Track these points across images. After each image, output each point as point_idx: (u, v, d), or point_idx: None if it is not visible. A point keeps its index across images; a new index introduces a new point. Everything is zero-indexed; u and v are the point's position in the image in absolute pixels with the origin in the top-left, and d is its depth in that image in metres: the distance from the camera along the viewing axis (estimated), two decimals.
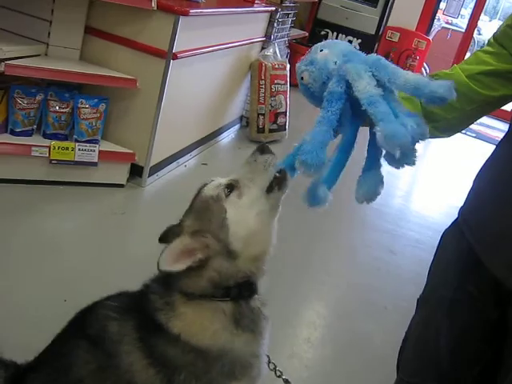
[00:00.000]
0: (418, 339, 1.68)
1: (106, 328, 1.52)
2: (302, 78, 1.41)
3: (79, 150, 3.67)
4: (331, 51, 1.41)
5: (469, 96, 1.44)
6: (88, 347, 1.51)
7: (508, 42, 1.42)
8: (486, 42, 1.52)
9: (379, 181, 1.35)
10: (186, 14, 3.70)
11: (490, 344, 1.50)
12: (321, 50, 1.44)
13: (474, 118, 1.53)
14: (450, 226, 1.66)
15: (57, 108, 3.65)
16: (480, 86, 1.44)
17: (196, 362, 1.44)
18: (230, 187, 1.50)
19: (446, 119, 1.46)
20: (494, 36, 1.48)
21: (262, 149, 1.55)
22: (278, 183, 1.50)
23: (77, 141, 3.69)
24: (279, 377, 1.75)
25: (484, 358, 1.51)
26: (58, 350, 1.60)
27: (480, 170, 1.58)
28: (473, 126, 9.00)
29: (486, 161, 1.57)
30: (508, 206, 1.39)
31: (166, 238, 1.64)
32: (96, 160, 3.73)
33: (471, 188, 1.59)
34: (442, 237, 1.69)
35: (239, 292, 1.49)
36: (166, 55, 3.74)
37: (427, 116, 1.38)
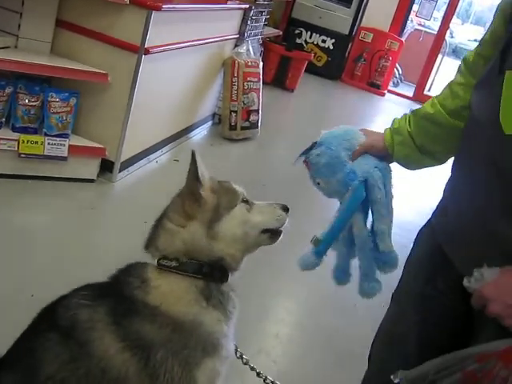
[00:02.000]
0: (389, 335, 1.71)
1: (77, 316, 1.51)
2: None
3: (48, 144, 3.64)
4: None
5: (455, 132, 1.55)
6: (59, 339, 1.49)
7: (477, 72, 1.47)
8: (458, 66, 1.62)
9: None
10: (158, 8, 3.69)
11: (459, 339, 1.52)
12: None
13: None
14: (424, 226, 1.71)
15: (26, 101, 3.61)
16: (463, 121, 1.53)
17: (172, 337, 1.47)
18: (246, 201, 1.66)
19: (440, 151, 1.66)
20: (465, 61, 1.57)
21: (286, 208, 1.72)
22: (272, 234, 1.68)
23: (46, 135, 3.66)
24: (245, 364, 1.79)
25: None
26: (28, 346, 1.56)
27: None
28: None
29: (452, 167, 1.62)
30: (465, 209, 1.44)
31: None
32: (66, 154, 3.70)
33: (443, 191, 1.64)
34: (417, 234, 1.73)
35: (211, 272, 1.56)
36: (138, 50, 3.72)
37: (424, 152, 1.66)
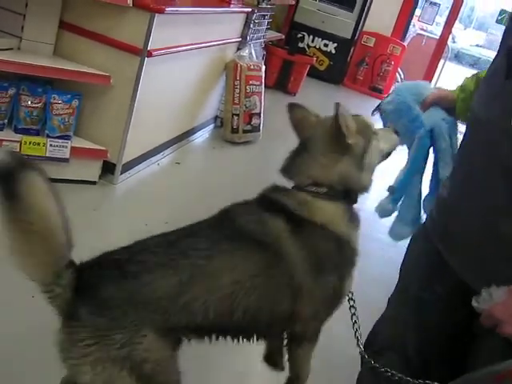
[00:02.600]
0: (386, 337, 1.71)
1: (264, 226, 1.69)
2: None
3: (51, 145, 3.64)
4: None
5: None
6: (255, 247, 1.66)
7: None
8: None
9: None
10: (161, 11, 3.70)
11: (459, 342, 1.52)
12: None
13: None
14: (419, 229, 1.70)
15: (29, 103, 3.61)
16: None
17: (336, 250, 1.73)
18: (375, 132, 1.85)
19: None
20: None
21: (397, 132, 1.93)
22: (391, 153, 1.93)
23: (48, 136, 3.66)
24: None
25: (453, 357, 1.54)
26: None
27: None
28: None
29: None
30: (466, 209, 1.43)
31: None
32: (68, 156, 3.70)
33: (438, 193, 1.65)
34: (411, 239, 1.73)
35: (354, 197, 1.81)
36: (141, 52, 3.73)
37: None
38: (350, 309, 1.95)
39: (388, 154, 1.92)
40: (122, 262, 1.65)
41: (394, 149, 1.92)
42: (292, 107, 2.02)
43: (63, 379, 1.81)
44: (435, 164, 1.82)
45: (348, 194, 1.79)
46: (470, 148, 1.50)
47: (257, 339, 1.82)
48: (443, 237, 1.53)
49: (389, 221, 4.92)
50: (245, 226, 1.70)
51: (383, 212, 1.78)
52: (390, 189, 1.79)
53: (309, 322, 1.82)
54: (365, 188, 1.82)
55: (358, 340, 1.84)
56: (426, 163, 1.85)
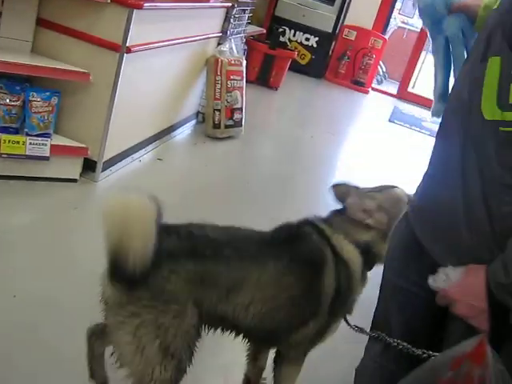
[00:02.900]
0: (376, 323, 1.75)
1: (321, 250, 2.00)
2: None
3: (30, 143, 3.61)
4: None
5: None
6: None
7: None
8: None
9: None
10: (139, 7, 3.67)
11: (439, 327, 1.54)
12: None
13: None
14: (401, 218, 1.72)
15: (7, 101, 3.57)
16: None
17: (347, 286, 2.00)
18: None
19: None
20: None
21: None
22: None
23: (28, 134, 3.63)
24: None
25: (435, 341, 1.56)
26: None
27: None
28: (427, 124, 9.20)
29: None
30: (443, 195, 1.46)
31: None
32: (48, 154, 3.67)
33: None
34: (394, 228, 1.75)
35: (371, 257, 2.04)
36: (120, 49, 3.70)
37: None
38: None
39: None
40: (200, 242, 1.83)
41: None
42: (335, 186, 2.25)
43: (89, 330, 2.03)
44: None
45: (368, 252, 2.03)
46: (446, 134, 1.51)
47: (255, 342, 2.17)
48: (421, 224, 1.54)
49: None
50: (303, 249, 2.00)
51: (438, 113, 1.77)
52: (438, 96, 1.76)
53: (300, 344, 2.06)
54: (377, 254, 2.03)
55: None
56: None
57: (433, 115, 1.74)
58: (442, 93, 1.71)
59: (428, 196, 1.55)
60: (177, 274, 1.73)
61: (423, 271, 1.47)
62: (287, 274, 1.91)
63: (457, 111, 1.44)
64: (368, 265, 2.05)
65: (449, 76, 1.72)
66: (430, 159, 1.58)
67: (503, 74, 1.28)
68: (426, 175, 1.59)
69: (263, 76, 8.26)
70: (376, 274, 1.96)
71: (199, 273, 1.75)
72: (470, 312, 1.33)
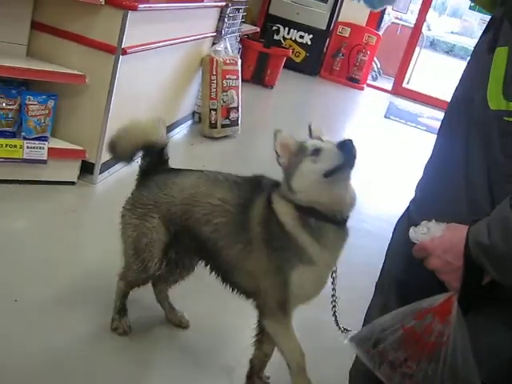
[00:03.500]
0: (368, 319, 1.73)
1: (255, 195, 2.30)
2: None
3: (27, 147, 3.61)
4: None
5: None
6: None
7: None
8: None
9: None
10: (134, 8, 3.67)
11: None
12: None
13: None
14: (402, 215, 1.72)
15: (3, 105, 3.57)
16: None
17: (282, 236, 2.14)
18: (316, 151, 2.03)
19: None
20: None
21: (340, 146, 2.03)
22: (335, 171, 1.99)
23: (25, 138, 3.63)
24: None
25: None
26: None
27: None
28: (423, 120, 9.21)
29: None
30: (446, 185, 1.46)
31: None
32: (45, 158, 3.67)
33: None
34: (395, 225, 1.75)
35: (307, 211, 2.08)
36: (115, 50, 3.70)
37: None
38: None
39: (332, 172, 2.01)
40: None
41: (337, 167, 2.00)
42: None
43: None
44: None
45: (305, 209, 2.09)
46: (451, 123, 1.51)
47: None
48: (422, 216, 1.55)
49: (371, 213, 4.95)
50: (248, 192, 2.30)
51: None
52: None
53: (266, 297, 2.24)
54: (313, 207, 2.06)
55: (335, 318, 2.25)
56: None
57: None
58: None
59: (430, 188, 1.55)
60: (152, 193, 2.43)
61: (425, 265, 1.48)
62: (232, 199, 2.29)
63: (461, 102, 1.45)
64: (313, 216, 2.09)
65: None
66: (433, 151, 1.59)
67: (510, 63, 1.28)
68: (428, 167, 1.60)
69: (258, 75, 8.26)
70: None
71: (168, 195, 2.40)
72: (443, 267, 1.34)
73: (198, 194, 2.35)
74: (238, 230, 2.24)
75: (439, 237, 1.35)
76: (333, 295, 2.28)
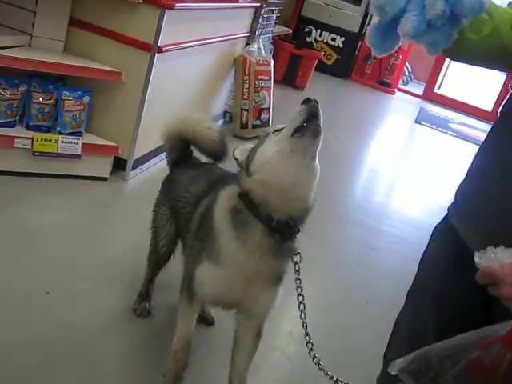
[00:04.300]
0: (406, 330, 1.71)
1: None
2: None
3: (62, 142, 3.65)
4: None
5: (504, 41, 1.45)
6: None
7: None
8: None
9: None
10: (171, 7, 3.70)
11: None
12: None
13: (494, 60, 1.54)
14: (440, 222, 1.70)
15: (40, 99, 3.63)
16: None
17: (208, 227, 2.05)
18: (280, 129, 1.87)
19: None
20: None
21: (305, 100, 1.86)
22: (301, 130, 1.79)
23: (60, 133, 3.68)
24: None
25: None
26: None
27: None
28: (454, 126, 9.12)
29: (476, 153, 1.61)
30: (488, 188, 1.44)
31: None
32: (79, 152, 3.72)
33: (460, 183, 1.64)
34: (433, 231, 1.72)
35: (247, 203, 1.88)
36: (151, 48, 3.73)
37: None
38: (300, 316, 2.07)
39: (301, 129, 1.80)
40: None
41: (303, 120, 1.81)
42: None
43: None
44: None
45: (243, 197, 1.91)
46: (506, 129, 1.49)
47: None
48: (465, 222, 1.51)
49: (400, 217, 4.93)
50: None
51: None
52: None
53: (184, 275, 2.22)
54: (250, 192, 1.88)
55: (310, 350, 2.04)
56: None
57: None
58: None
59: (475, 195, 1.52)
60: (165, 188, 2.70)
61: (469, 275, 1.46)
62: (196, 192, 2.36)
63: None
64: (249, 210, 1.88)
65: None
66: (480, 157, 1.56)
67: None
68: (474, 173, 1.57)
69: (290, 76, 8.26)
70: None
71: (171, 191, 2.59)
72: None
73: (183, 189, 2.47)
74: (188, 221, 2.27)
75: (510, 263, 1.29)
76: (301, 313, 2.07)
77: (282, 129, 1.86)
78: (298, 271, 1.99)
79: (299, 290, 2.01)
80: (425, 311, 1.63)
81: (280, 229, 1.87)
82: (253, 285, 1.98)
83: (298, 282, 2.00)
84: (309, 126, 1.79)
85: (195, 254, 2.08)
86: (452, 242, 1.55)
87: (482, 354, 1.20)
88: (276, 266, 1.97)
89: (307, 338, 2.02)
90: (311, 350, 2.01)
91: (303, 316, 2.04)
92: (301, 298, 2.02)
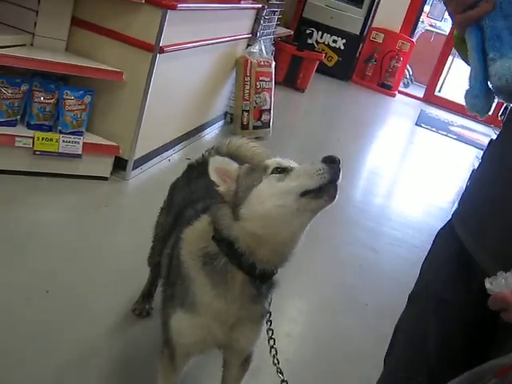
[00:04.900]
0: (408, 335, 1.69)
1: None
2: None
3: (63, 141, 3.66)
4: None
5: None
6: None
7: None
8: None
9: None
10: (173, 8, 3.70)
11: (479, 344, 1.51)
12: None
13: None
14: (443, 226, 1.68)
15: (41, 99, 3.63)
16: None
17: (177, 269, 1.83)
18: (281, 170, 1.62)
19: None
20: None
21: (327, 159, 1.59)
22: (316, 192, 1.56)
23: (61, 132, 3.68)
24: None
25: (472, 358, 1.53)
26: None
27: (473, 171, 1.62)
28: (454, 128, 9.13)
29: (479, 162, 1.60)
30: (494, 200, 1.43)
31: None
32: (80, 152, 3.72)
33: (465, 187, 1.62)
34: (436, 236, 1.71)
35: (227, 249, 1.66)
36: (153, 49, 3.74)
37: None
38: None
39: (315, 191, 1.56)
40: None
41: (320, 183, 1.55)
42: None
43: None
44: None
45: (223, 242, 1.67)
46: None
47: None
48: (469, 229, 1.51)
49: (401, 220, 4.93)
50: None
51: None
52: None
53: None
54: (236, 242, 1.64)
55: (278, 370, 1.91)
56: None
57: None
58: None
59: (480, 207, 1.51)
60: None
61: (471, 282, 1.45)
62: (179, 200, 2.27)
63: None
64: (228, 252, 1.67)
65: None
66: (483, 168, 1.55)
67: None
68: (477, 184, 1.56)
69: (290, 77, 8.26)
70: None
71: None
72: None
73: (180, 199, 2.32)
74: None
75: None
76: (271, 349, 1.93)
77: (284, 170, 1.61)
78: (271, 329, 1.89)
79: (271, 341, 1.91)
80: (427, 317, 1.61)
81: (262, 276, 1.69)
82: (234, 329, 1.80)
83: (271, 334, 1.90)
84: (327, 188, 1.55)
85: (168, 301, 1.89)
86: (455, 248, 1.54)
87: (498, 382, 1.17)
88: (258, 310, 1.80)
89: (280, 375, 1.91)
90: None
91: (276, 362, 1.92)
92: (273, 351, 1.91)
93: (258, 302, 1.76)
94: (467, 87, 1.49)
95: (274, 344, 1.91)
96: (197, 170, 2.37)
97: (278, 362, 1.91)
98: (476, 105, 1.46)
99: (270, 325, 1.88)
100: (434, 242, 1.69)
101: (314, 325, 3.30)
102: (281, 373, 1.90)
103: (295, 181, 1.58)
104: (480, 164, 1.59)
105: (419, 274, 1.72)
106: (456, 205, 1.65)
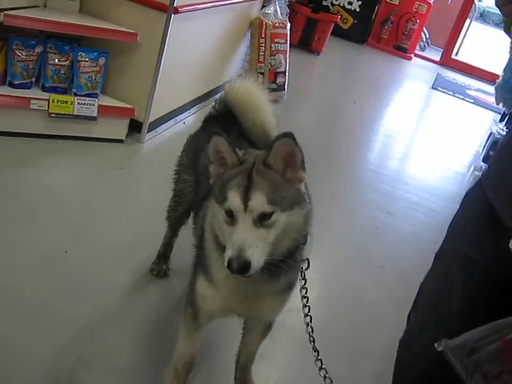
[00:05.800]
0: (433, 293, 1.69)
1: None
2: None
3: (78, 103, 3.64)
4: None
5: None
6: None
7: None
8: None
9: None
10: None
11: (502, 304, 1.50)
12: None
13: None
14: (473, 186, 1.67)
15: (56, 61, 3.61)
16: None
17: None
18: (230, 215, 1.58)
19: None
20: None
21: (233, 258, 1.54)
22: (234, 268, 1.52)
23: (76, 94, 3.66)
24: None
25: (495, 319, 1.53)
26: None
27: (491, 134, 1.60)
28: (471, 92, 9.01)
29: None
30: None
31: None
32: (95, 114, 3.70)
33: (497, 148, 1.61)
34: (465, 195, 1.70)
35: None
36: (168, 9, 3.69)
37: None
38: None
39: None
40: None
41: (226, 258, 1.55)
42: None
43: None
44: None
45: None
46: None
47: None
48: (497, 190, 1.49)
49: (417, 184, 4.89)
50: None
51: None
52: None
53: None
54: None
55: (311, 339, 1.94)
56: None
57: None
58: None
59: (509, 172, 1.49)
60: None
61: (498, 242, 1.44)
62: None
63: None
64: None
65: None
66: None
67: None
68: (507, 149, 1.54)
69: (305, 40, 8.17)
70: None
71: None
72: None
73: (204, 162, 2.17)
74: (199, 208, 2.09)
75: None
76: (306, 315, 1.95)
77: (232, 219, 1.58)
78: (304, 279, 1.91)
79: (305, 300, 1.92)
80: (453, 275, 1.60)
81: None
82: (256, 301, 1.83)
83: (304, 291, 1.91)
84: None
85: (195, 261, 1.97)
86: (483, 208, 1.52)
87: None
88: (277, 285, 1.80)
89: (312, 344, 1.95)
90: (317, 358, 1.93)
91: (309, 330, 1.96)
92: (306, 309, 1.93)
93: (274, 280, 1.75)
94: (500, 80, 1.47)
95: (309, 312, 1.94)
96: (215, 120, 2.45)
97: (312, 331, 1.95)
98: (510, 99, 1.46)
99: (306, 292, 1.92)
100: (462, 202, 1.68)
101: (330, 286, 3.30)
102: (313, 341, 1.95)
103: (231, 235, 1.56)
104: (509, 130, 1.57)
105: (446, 233, 1.71)
106: (482, 167, 1.63)
